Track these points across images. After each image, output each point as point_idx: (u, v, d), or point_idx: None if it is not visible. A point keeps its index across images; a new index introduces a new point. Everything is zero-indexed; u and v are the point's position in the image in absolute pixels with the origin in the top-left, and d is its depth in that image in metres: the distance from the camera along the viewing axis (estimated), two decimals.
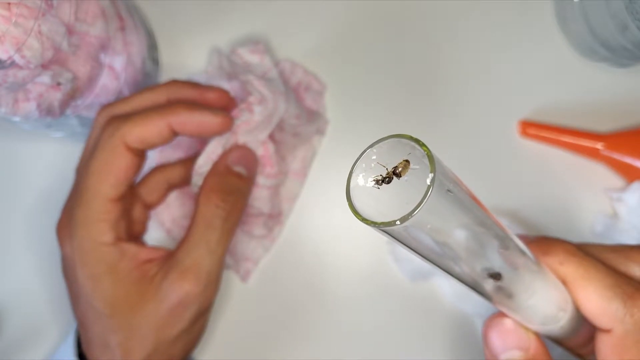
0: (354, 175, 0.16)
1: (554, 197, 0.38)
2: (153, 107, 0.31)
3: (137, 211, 0.34)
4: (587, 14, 0.37)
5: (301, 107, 0.36)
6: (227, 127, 0.31)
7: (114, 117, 0.31)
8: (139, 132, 0.30)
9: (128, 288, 0.30)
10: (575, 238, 0.25)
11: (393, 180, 0.16)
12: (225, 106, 0.33)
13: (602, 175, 0.38)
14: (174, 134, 0.31)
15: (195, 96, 0.33)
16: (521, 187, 0.38)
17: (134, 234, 0.34)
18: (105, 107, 0.32)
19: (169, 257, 0.30)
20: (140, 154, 0.31)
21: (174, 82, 0.33)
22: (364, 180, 0.16)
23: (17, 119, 0.31)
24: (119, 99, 0.33)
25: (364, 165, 0.16)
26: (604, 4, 0.35)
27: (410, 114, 0.39)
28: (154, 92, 0.32)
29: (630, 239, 0.36)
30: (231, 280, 0.38)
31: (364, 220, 0.15)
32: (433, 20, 0.40)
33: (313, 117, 0.37)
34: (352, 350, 0.37)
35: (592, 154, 0.37)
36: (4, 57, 0.26)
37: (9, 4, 0.25)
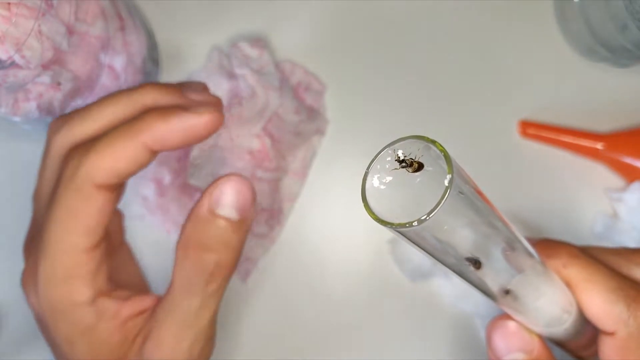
0: (368, 176, 0.16)
1: (554, 197, 0.38)
2: (120, 123, 0.25)
3: (115, 224, 0.30)
4: (587, 14, 0.37)
5: (300, 102, 0.36)
6: (217, 124, 0.26)
7: (74, 147, 0.25)
8: (108, 164, 0.24)
9: (107, 353, 0.25)
10: (575, 238, 0.25)
11: (407, 179, 0.16)
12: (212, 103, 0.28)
13: (602, 175, 0.38)
14: (154, 153, 0.25)
15: (173, 100, 0.27)
16: (521, 187, 0.38)
17: (114, 268, 0.29)
18: (57, 124, 0.26)
19: (153, 313, 0.26)
20: (116, 188, 0.25)
21: (145, 86, 0.27)
22: (378, 182, 0.16)
23: (17, 119, 0.31)
24: (74, 111, 0.27)
25: (378, 166, 0.16)
26: (603, 4, 0.35)
27: (410, 114, 0.39)
28: (118, 103, 0.26)
29: (630, 239, 0.36)
30: (231, 280, 0.38)
31: (380, 221, 0.15)
32: (433, 20, 0.40)
33: (313, 115, 0.37)
34: (352, 350, 0.37)
35: (592, 154, 0.37)
36: (4, 57, 0.26)
37: (9, 4, 0.25)
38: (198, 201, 0.25)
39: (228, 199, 0.25)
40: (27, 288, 0.26)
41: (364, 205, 0.16)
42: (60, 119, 0.27)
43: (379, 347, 0.37)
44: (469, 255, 0.18)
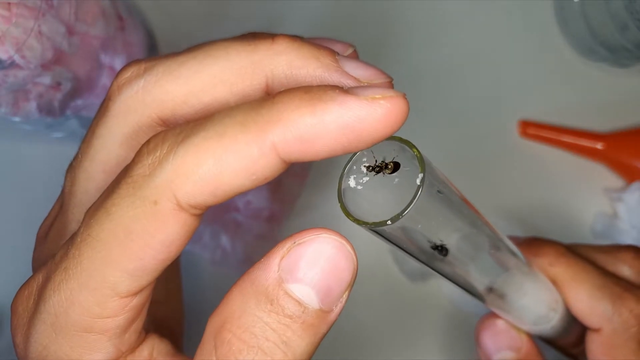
0: (344, 177, 0.17)
1: (554, 197, 0.38)
2: (230, 95, 0.17)
3: None
4: (586, 14, 0.37)
5: None
6: (400, 118, 0.15)
7: (153, 125, 0.17)
8: (209, 173, 0.15)
9: None
10: (575, 238, 0.25)
11: (384, 179, 0.16)
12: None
13: (602, 175, 0.38)
14: (284, 164, 0.15)
15: (322, 72, 0.17)
16: (521, 187, 0.38)
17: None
18: (130, 73, 0.18)
19: None
20: (203, 211, 0.16)
21: (276, 39, 0.17)
22: (355, 182, 0.17)
23: (17, 119, 0.31)
24: (157, 58, 0.18)
25: (354, 167, 0.17)
26: (603, 4, 0.35)
27: (410, 114, 0.39)
28: (231, 59, 0.17)
29: (630, 239, 0.36)
30: (231, 280, 0.38)
31: (356, 220, 0.16)
32: (433, 21, 0.40)
33: None
34: (352, 350, 0.37)
35: (592, 153, 0.37)
36: (4, 57, 0.26)
37: (9, 4, 0.25)
38: (263, 259, 0.16)
39: (310, 272, 0.15)
40: (17, 315, 0.17)
41: (340, 206, 0.16)
42: (134, 65, 0.18)
43: (379, 347, 0.37)
44: (433, 242, 0.17)
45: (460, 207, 0.17)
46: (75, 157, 0.20)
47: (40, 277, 0.17)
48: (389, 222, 0.15)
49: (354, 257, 0.15)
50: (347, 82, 0.16)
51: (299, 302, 0.15)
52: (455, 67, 0.39)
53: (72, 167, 0.20)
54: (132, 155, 0.16)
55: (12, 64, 0.27)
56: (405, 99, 0.15)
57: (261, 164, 0.15)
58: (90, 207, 0.16)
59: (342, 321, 0.39)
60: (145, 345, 0.18)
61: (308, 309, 0.15)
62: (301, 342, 0.15)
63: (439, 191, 0.16)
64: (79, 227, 0.16)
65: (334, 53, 0.17)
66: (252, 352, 0.15)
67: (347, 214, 0.16)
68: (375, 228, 0.15)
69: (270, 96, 0.15)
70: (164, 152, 0.15)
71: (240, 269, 0.38)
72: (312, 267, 0.15)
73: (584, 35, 0.37)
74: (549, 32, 0.39)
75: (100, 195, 0.16)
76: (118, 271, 0.15)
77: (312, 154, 0.15)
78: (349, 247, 0.15)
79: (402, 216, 0.15)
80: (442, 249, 0.17)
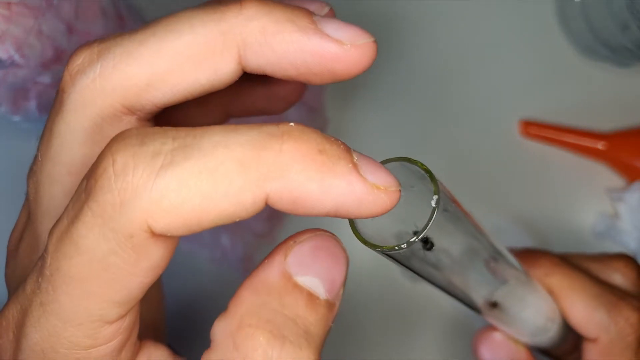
0: None
1: (555, 197, 0.38)
2: (232, 130, 0.14)
3: None
4: (588, 13, 0.37)
5: (300, 101, 0.36)
6: (388, 208, 0.14)
7: (131, 148, 0.13)
8: (191, 213, 0.13)
9: None
10: (576, 238, 0.25)
11: None
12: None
13: (603, 175, 0.38)
14: (265, 204, 0.14)
15: (298, 40, 0.16)
16: (522, 187, 0.38)
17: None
18: (84, 56, 0.16)
19: None
20: (176, 239, 0.15)
21: (245, 3, 0.16)
22: None
23: (17, 118, 0.31)
24: (114, 37, 0.16)
25: None
26: (604, 4, 0.35)
27: (409, 113, 0.39)
28: (197, 30, 0.15)
29: (631, 239, 0.36)
30: (231, 280, 0.38)
31: (369, 244, 0.15)
32: (433, 20, 0.40)
33: (313, 114, 0.37)
34: (351, 350, 0.37)
35: (593, 153, 0.37)
36: (4, 56, 0.26)
37: (9, 3, 0.25)
38: (264, 260, 0.15)
39: (315, 265, 0.15)
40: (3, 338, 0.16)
41: (353, 231, 0.16)
42: (86, 49, 0.16)
43: (379, 347, 0.37)
44: (422, 236, 0.16)
45: (464, 221, 0.17)
46: (35, 160, 0.18)
47: (14, 310, 0.16)
48: (404, 246, 0.15)
49: (346, 252, 0.16)
50: (329, 46, 0.16)
51: (310, 293, 0.15)
52: (456, 67, 0.39)
53: (34, 172, 0.18)
54: (99, 151, 0.14)
55: (12, 63, 0.27)
56: (400, 191, 0.15)
57: (250, 210, 0.14)
58: (53, 230, 0.14)
59: (342, 321, 0.39)
60: (141, 355, 0.17)
61: (319, 299, 0.15)
62: (318, 331, 0.15)
63: (445, 209, 0.16)
64: (46, 254, 0.14)
65: (310, 14, 0.16)
66: (278, 342, 0.14)
67: (360, 237, 0.16)
68: (389, 252, 0.15)
69: (278, 130, 0.14)
70: (138, 179, 0.13)
71: (240, 267, 0.38)
72: (316, 260, 0.15)
73: (585, 35, 0.37)
74: (550, 32, 0.39)
75: (62, 215, 0.14)
76: (103, 303, 0.14)
77: (296, 212, 0.14)
78: (342, 243, 0.16)
79: (417, 240, 0.15)
80: (426, 242, 0.17)
